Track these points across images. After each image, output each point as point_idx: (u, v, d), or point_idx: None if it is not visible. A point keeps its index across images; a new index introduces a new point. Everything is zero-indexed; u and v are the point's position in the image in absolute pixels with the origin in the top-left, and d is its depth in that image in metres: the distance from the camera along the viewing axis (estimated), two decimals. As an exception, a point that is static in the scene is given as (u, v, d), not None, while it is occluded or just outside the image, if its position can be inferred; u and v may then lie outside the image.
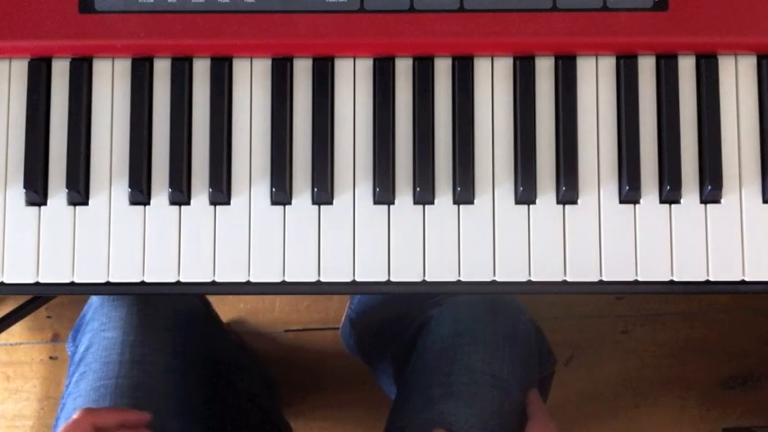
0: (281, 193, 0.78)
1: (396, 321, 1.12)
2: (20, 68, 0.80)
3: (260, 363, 1.42)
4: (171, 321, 0.94)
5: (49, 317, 1.50)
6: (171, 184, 0.78)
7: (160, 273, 0.78)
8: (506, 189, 0.78)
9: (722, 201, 0.78)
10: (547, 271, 0.78)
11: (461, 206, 0.78)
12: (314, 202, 0.78)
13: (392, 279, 0.78)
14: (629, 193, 0.77)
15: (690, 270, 0.78)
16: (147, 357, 0.90)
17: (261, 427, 1.16)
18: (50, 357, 1.49)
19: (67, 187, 0.78)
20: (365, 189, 0.79)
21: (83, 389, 0.90)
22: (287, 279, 0.78)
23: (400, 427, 0.96)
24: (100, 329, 0.92)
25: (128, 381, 0.89)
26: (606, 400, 1.49)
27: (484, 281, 0.78)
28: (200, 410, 0.96)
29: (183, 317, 0.96)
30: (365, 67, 0.80)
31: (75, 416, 0.81)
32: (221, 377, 1.05)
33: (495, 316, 0.98)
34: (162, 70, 0.80)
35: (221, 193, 0.78)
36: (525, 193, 0.78)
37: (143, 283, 0.78)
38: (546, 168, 0.78)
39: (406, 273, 0.78)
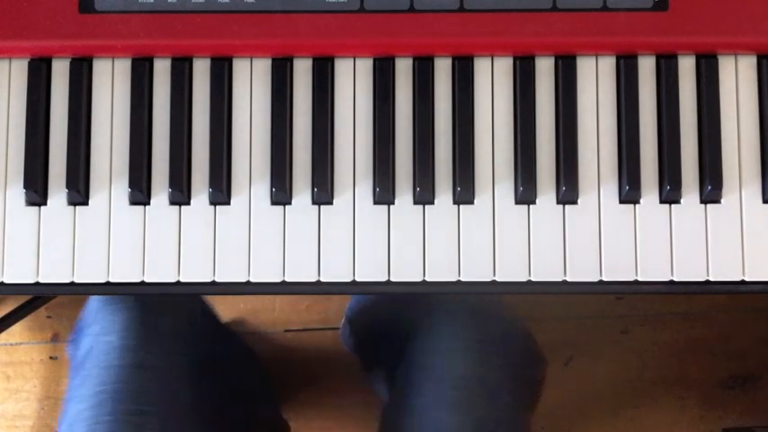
0: (281, 193, 0.78)
1: (389, 323, 1.12)
2: (20, 68, 0.80)
3: (259, 361, 1.42)
4: (171, 325, 0.93)
5: (49, 317, 1.50)
6: (171, 184, 0.78)
7: (160, 273, 0.78)
8: (506, 189, 0.78)
9: (722, 201, 0.78)
10: (547, 271, 0.78)
11: (461, 206, 0.78)
12: (314, 202, 0.78)
13: (392, 279, 0.78)
14: (629, 193, 0.77)
15: (690, 270, 0.78)
16: (148, 362, 0.90)
17: (259, 427, 1.16)
18: (50, 357, 1.49)
19: (67, 187, 0.78)
20: (365, 189, 0.79)
21: (84, 394, 0.89)
22: (287, 279, 0.78)
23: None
24: (99, 333, 0.92)
25: (129, 386, 0.88)
26: (606, 400, 1.49)
27: (484, 281, 0.78)
28: (205, 412, 0.96)
29: (184, 319, 0.96)
30: (365, 67, 0.80)
31: None
32: (224, 377, 1.05)
33: (485, 321, 0.98)
34: (162, 70, 0.80)
35: (221, 193, 0.78)
36: (525, 193, 0.78)
37: (143, 283, 0.78)
38: (546, 168, 0.78)
39: (406, 273, 0.78)
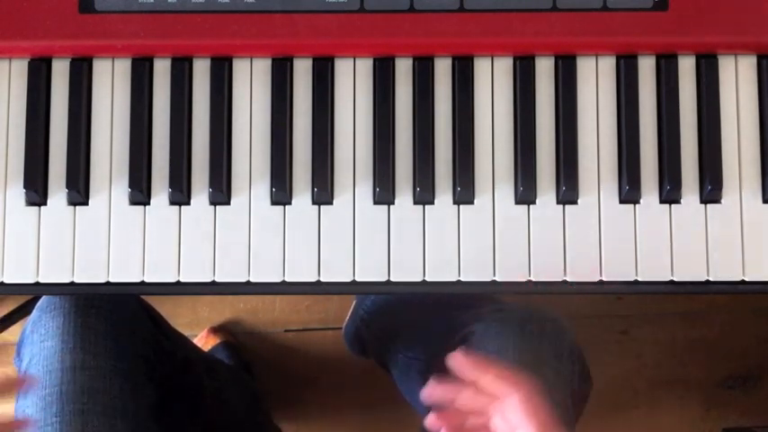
0: (281, 193, 0.78)
1: (425, 328, 1.11)
2: (20, 68, 0.80)
3: (238, 365, 1.42)
4: (109, 326, 0.95)
5: (48, 317, 1.49)
6: (171, 184, 0.78)
7: (160, 273, 0.78)
8: (506, 189, 0.78)
9: (722, 201, 0.78)
10: (547, 271, 0.78)
11: (461, 206, 0.78)
12: (314, 202, 0.78)
13: (392, 279, 0.78)
14: (629, 192, 0.77)
15: (690, 270, 0.78)
16: (88, 362, 0.92)
17: (234, 426, 1.16)
18: (50, 357, 1.49)
19: (67, 187, 0.78)
20: (365, 189, 0.79)
21: (30, 400, 0.91)
22: (287, 279, 0.78)
23: None
24: (39, 341, 0.94)
25: (72, 386, 0.90)
26: (606, 400, 1.49)
27: (484, 281, 0.78)
28: (154, 410, 0.97)
29: (122, 320, 0.97)
30: (365, 67, 0.80)
31: None
32: (178, 377, 1.05)
33: (541, 335, 0.97)
34: (162, 70, 0.80)
35: (221, 193, 0.78)
36: (525, 193, 0.78)
37: (143, 283, 0.78)
38: (546, 168, 0.78)
39: (406, 273, 0.78)
